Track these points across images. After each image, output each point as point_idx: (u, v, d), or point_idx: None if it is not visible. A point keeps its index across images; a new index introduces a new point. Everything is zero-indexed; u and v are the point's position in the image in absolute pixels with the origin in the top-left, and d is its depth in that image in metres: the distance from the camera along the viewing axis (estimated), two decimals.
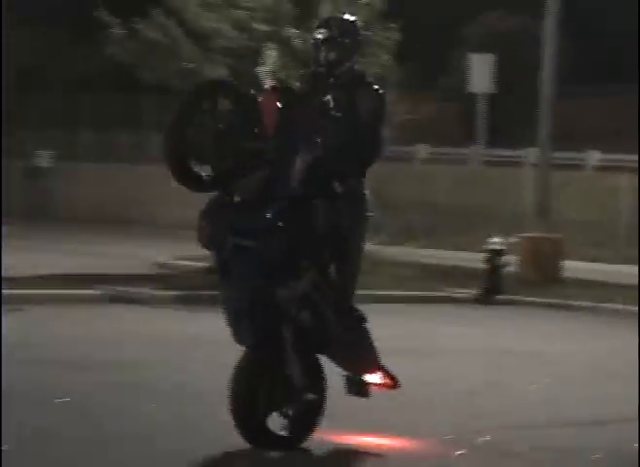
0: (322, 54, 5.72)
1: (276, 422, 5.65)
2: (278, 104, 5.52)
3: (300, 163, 5.49)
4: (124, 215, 25.42)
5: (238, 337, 5.55)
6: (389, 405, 6.71)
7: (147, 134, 25.49)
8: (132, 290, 13.10)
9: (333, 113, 5.69)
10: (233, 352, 6.50)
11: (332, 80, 5.75)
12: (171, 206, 24.18)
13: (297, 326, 5.57)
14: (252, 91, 5.71)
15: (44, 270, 13.69)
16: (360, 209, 5.79)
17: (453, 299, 14.29)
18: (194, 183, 5.52)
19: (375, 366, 5.87)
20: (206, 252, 6.49)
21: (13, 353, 8.46)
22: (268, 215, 5.38)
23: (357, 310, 5.82)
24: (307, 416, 5.73)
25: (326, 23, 5.92)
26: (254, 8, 13.61)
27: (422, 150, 25.33)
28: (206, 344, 9.36)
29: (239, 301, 5.52)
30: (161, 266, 16.49)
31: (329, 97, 5.75)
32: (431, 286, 14.68)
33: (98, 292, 12.82)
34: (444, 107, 26.31)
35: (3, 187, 24.76)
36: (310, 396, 5.62)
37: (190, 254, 16.02)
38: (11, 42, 27.14)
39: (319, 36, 5.75)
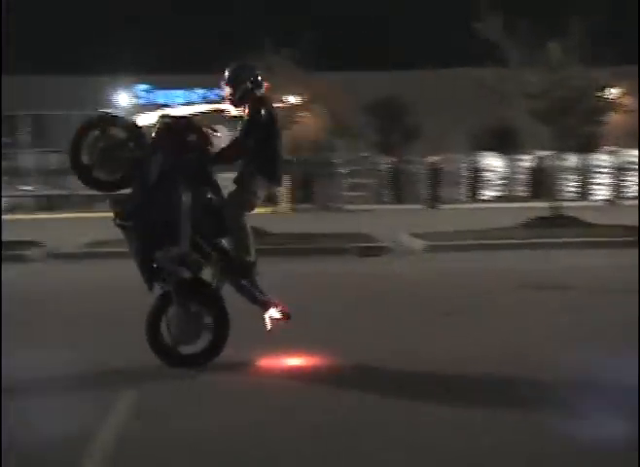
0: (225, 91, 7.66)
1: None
2: (159, 129, 7.26)
3: (154, 168, 7.14)
4: None
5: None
6: None
7: None
8: None
9: (242, 124, 7.45)
10: None
11: (241, 104, 7.57)
12: None
13: (177, 277, 7.15)
14: (135, 122, 7.48)
15: None
16: (238, 195, 7.33)
17: None
18: (96, 186, 7.47)
19: (270, 304, 7.38)
20: None
21: None
22: (130, 205, 7.14)
23: (253, 264, 7.35)
24: (208, 346, 7.23)
25: (225, 73, 7.70)
26: None
27: None
28: None
29: (135, 261, 7.23)
30: None
31: (243, 115, 7.51)
32: None
33: None
34: None
35: None
36: (178, 336, 7.14)
37: None
38: None
39: (222, 82, 7.73)
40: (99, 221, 29.16)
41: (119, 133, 7.39)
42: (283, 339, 7.62)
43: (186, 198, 7.11)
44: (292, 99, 32.82)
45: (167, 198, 7.08)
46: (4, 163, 44.39)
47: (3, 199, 39.05)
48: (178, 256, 7.10)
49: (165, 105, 53.33)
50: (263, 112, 7.47)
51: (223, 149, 7.41)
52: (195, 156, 7.24)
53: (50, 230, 24.01)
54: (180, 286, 7.16)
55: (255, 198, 7.43)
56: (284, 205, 34.64)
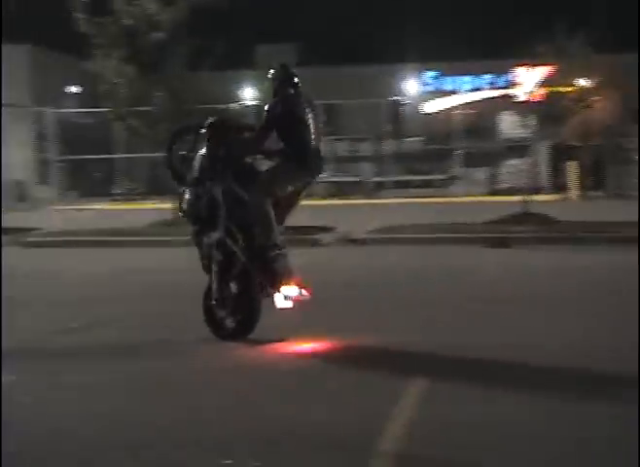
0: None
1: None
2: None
3: (197, 165, 8.25)
4: None
5: None
6: None
7: None
8: None
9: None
10: None
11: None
12: None
13: (215, 259, 8.09)
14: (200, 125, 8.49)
15: None
16: (264, 184, 8.04)
17: None
18: (181, 182, 8.55)
19: (285, 282, 7.91)
20: None
21: None
22: (185, 196, 8.33)
23: (271, 246, 7.94)
24: (242, 320, 8.07)
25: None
26: None
27: None
28: None
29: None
30: None
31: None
32: None
33: None
34: None
35: None
36: (220, 311, 8.09)
37: None
38: None
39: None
40: (387, 207, 29.90)
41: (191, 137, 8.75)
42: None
43: (219, 191, 8.14)
44: (583, 83, 31.89)
45: (206, 191, 8.18)
46: None
47: None
48: (216, 241, 8.12)
49: (453, 92, 53.46)
50: (280, 107, 8.17)
51: (245, 141, 8.35)
52: (225, 150, 8.20)
53: (341, 215, 24.84)
54: (218, 267, 8.13)
55: (281, 189, 8.15)
56: (573, 192, 33.76)
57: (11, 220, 23.76)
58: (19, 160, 44.99)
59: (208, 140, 8.27)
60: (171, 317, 9.48)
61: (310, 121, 8.24)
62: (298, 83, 8.43)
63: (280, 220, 8.23)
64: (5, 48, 47.55)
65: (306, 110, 8.29)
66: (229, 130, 8.39)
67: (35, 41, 49.78)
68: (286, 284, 7.95)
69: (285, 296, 7.95)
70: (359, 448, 5.16)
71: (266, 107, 8.30)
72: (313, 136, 8.23)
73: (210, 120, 8.34)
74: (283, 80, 8.42)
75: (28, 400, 6.28)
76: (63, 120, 43.96)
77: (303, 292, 7.97)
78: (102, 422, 5.72)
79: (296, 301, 7.98)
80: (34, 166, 46.80)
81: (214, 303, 8.17)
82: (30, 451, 5.23)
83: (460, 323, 8.90)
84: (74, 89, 51.09)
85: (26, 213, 31.27)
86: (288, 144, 8.13)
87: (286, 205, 8.28)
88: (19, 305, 10.53)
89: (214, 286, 8.15)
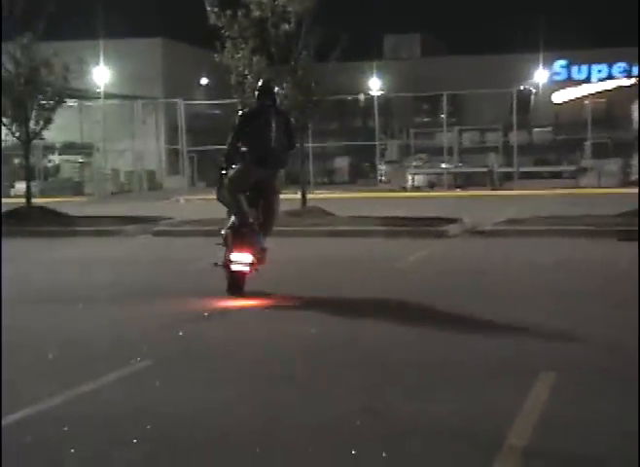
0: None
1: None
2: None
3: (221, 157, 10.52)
4: None
5: None
6: None
7: None
8: None
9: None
10: None
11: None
12: None
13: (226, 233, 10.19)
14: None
15: None
16: (232, 176, 10.16)
17: None
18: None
19: (238, 250, 9.80)
20: None
21: None
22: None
23: (242, 224, 9.92)
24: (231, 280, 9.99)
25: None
26: None
27: None
28: None
29: None
30: None
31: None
32: None
33: None
34: None
35: None
36: (225, 271, 9.99)
37: None
38: None
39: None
40: (515, 199, 29.43)
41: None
42: None
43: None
44: None
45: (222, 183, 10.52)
46: (426, 142, 46.19)
47: (425, 177, 40.79)
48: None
49: (585, 80, 52.06)
50: (250, 113, 10.41)
51: (228, 143, 10.35)
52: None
53: (467, 207, 24.60)
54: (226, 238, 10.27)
55: (242, 183, 10.09)
56: None
57: (142, 209, 24.42)
58: (152, 150, 46.24)
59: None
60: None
61: (273, 126, 10.08)
62: (274, 94, 10.54)
63: (270, 201, 10.14)
64: (138, 41, 48.93)
65: (272, 117, 10.14)
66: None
67: (167, 34, 50.99)
68: (239, 251, 9.80)
69: (233, 260, 9.82)
70: (487, 441, 5.12)
71: (239, 113, 10.43)
72: (274, 139, 10.05)
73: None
74: (262, 91, 10.38)
75: None
76: (194, 111, 44.92)
77: (253, 259, 9.78)
78: None
79: (253, 267, 9.85)
80: (166, 157, 47.99)
81: (220, 264, 10.04)
82: None
83: (584, 316, 8.74)
84: (204, 80, 52.17)
85: (157, 202, 32.06)
86: (251, 144, 10.05)
87: (269, 191, 10.12)
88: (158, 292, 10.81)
89: (224, 253, 10.06)
